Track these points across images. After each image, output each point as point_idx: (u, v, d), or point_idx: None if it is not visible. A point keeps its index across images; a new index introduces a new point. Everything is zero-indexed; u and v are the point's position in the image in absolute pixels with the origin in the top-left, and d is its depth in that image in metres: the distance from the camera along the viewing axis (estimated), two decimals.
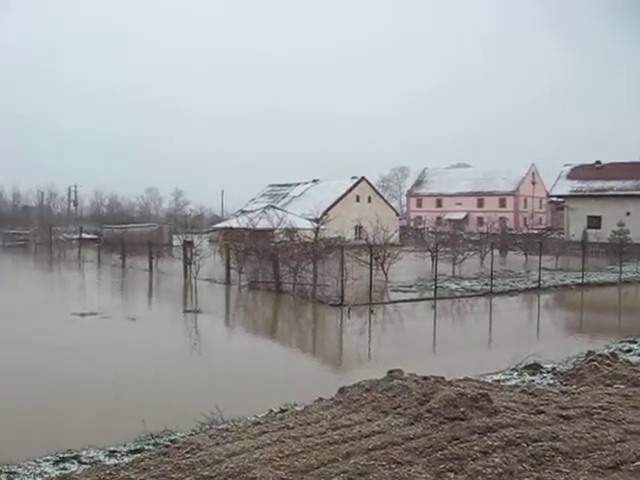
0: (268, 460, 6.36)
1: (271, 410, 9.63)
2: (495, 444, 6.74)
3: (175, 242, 48.26)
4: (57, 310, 22.15)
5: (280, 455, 6.50)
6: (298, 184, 76.17)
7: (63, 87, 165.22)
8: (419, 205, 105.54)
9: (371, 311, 22.23)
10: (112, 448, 8.37)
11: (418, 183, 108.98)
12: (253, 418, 9.04)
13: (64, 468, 7.63)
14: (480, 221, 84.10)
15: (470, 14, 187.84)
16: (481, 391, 8.20)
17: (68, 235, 62.03)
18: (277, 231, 39.21)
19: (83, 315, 20.33)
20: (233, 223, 51.68)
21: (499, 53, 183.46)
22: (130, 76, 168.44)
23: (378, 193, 74.54)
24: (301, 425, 7.63)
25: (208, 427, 8.93)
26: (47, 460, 7.94)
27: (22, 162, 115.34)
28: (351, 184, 68.82)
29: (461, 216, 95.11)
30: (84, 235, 58.11)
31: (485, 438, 6.90)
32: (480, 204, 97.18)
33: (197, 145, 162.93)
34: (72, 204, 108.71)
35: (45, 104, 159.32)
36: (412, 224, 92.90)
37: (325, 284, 24.92)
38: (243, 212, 62.83)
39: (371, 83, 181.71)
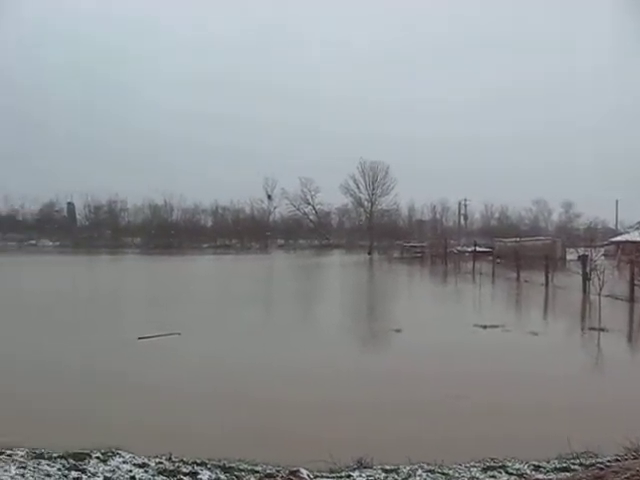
0: None
1: None
2: None
3: (569, 256, 46.94)
4: (459, 321, 22.84)
5: None
6: None
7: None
8: None
9: None
10: (535, 462, 8.34)
11: None
12: None
13: (493, 476, 7.80)
14: None
15: None
16: None
17: (460, 248, 64.23)
18: None
19: (485, 327, 20.74)
20: (634, 236, 48.52)
21: None
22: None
23: None
24: None
25: (635, 454, 8.40)
26: (474, 466, 8.21)
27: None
28: None
29: None
30: (477, 248, 59.57)
31: None
32: None
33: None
34: (462, 217, 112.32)
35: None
36: None
37: None
38: None
39: None
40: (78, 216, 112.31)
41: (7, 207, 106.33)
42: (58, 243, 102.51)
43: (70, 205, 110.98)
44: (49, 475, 6.54)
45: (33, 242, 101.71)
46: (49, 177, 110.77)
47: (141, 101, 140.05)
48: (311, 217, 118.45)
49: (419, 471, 7.96)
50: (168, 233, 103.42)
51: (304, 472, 7.38)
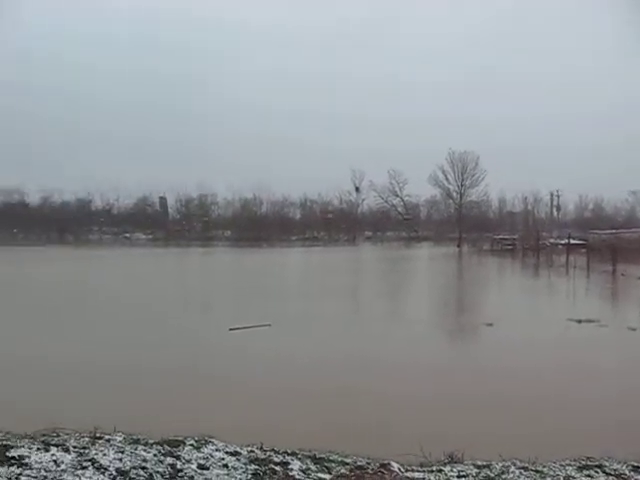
0: None
1: None
2: None
3: None
4: (552, 315, 22.25)
5: None
6: None
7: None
8: None
9: None
10: (634, 463, 8.02)
11: None
12: None
13: (589, 476, 7.55)
14: None
15: None
16: None
17: (553, 240, 62.61)
18: None
19: (579, 322, 20.14)
20: None
21: None
22: None
23: None
24: None
25: None
26: (570, 465, 7.96)
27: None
28: None
29: None
30: (570, 241, 57.96)
31: None
32: None
33: None
34: (555, 209, 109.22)
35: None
36: None
37: None
38: None
39: None
40: (170, 210, 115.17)
41: (103, 202, 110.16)
42: (151, 236, 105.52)
43: (162, 199, 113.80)
44: (145, 460, 6.70)
45: (127, 235, 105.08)
46: (144, 174, 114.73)
47: (232, 101, 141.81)
48: (399, 209, 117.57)
49: (512, 468, 7.76)
50: (258, 226, 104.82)
51: (395, 465, 7.34)
